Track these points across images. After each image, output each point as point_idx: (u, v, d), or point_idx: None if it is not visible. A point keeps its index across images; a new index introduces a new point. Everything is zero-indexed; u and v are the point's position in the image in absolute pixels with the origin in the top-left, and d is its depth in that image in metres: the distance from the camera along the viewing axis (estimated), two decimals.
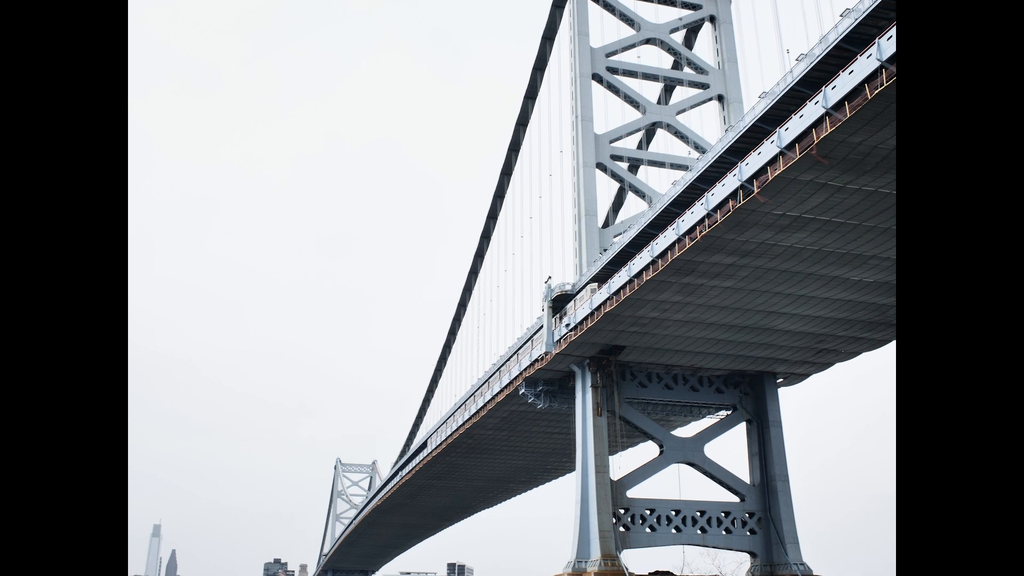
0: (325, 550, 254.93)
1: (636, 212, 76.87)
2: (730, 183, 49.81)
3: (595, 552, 66.81)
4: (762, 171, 47.29)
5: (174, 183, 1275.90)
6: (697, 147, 76.18)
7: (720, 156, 52.31)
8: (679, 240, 54.70)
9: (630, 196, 79.33)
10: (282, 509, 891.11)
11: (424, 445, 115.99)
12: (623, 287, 61.00)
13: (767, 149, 46.80)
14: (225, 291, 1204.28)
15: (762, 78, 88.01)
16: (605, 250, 69.97)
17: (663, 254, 56.44)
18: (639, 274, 59.00)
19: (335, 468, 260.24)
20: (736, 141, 50.78)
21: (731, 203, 49.69)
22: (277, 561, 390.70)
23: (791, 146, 44.97)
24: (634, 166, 79.87)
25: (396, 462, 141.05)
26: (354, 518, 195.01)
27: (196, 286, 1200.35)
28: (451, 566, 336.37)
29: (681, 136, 78.99)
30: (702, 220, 52.36)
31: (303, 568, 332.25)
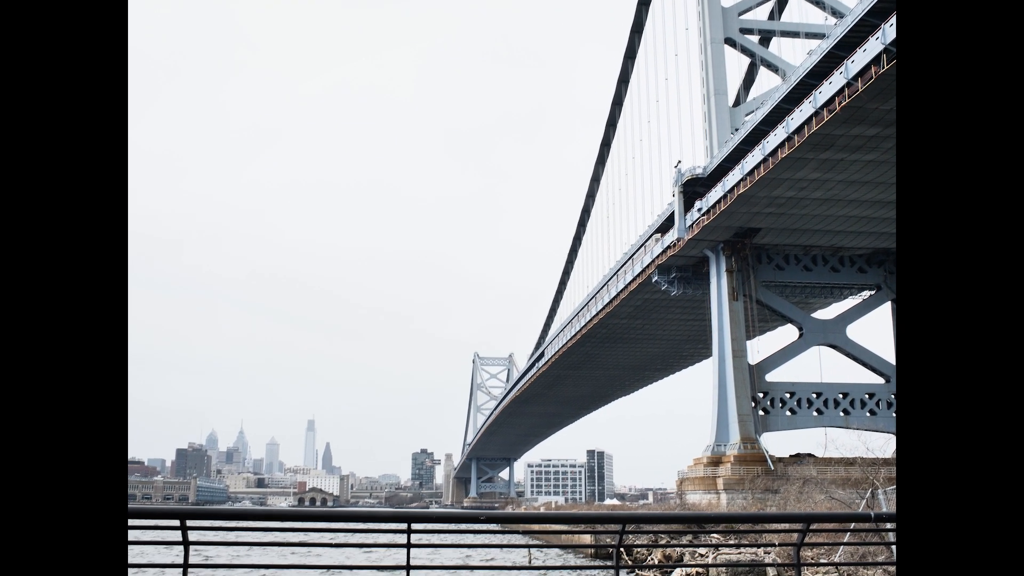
0: (468, 440, 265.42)
1: (769, 88, 73.16)
2: (872, 47, 46.52)
3: (734, 436, 66.66)
4: None
5: (308, 102, 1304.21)
6: (834, 12, 71.18)
7: (860, 19, 48.74)
8: (816, 113, 51.90)
9: (762, 71, 75.46)
10: (426, 403, 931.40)
11: (558, 336, 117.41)
12: (757, 167, 58.77)
13: None
14: (359, 206, 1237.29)
15: None
16: (737, 130, 67.32)
17: (799, 129, 53.80)
18: (774, 152, 56.60)
19: (474, 362, 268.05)
20: (879, 0, 47.16)
21: (873, 69, 46.53)
22: (424, 451, 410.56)
23: None
24: (765, 39, 75.63)
25: (532, 354, 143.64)
26: (494, 409, 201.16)
27: (325, 206, 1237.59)
28: (591, 453, 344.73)
29: (816, 1, 73.97)
30: (841, 90, 49.36)
31: (448, 457, 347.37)
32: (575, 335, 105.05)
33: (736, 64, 75.26)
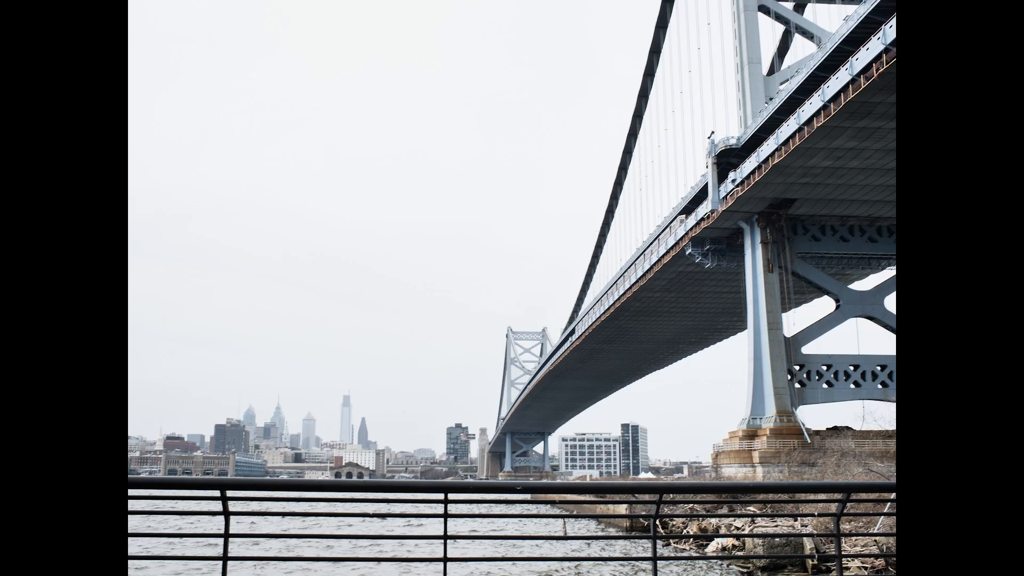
0: (502, 414, 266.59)
1: (804, 56, 71.96)
2: None
3: (770, 409, 66.31)
4: None
5: (343, 78, 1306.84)
6: None
7: None
8: (853, 80, 50.95)
9: (796, 39, 74.15)
10: (461, 378, 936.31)
11: (592, 310, 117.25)
12: (792, 136, 57.97)
13: None
14: (393, 180, 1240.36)
15: None
16: (771, 99, 66.37)
17: (836, 97, 52.89)
18: (809, 121, 55.75)
19: (507, 337, 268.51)
20: None
21: None
22: (458, 426, 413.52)
23: None
24: (800, 5, 74.24)
25: (565, 328, 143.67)
26: (527, 384, 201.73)
27: (360, 181, 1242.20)
28: (625, 426, 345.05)
29: None
30: (879, 56, 48.38)
31: (483, 432, 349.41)
32: (608, 309, 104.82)
33: (770, 32, 74.20)
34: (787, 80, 66.56)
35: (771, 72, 73.48)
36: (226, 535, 7.37)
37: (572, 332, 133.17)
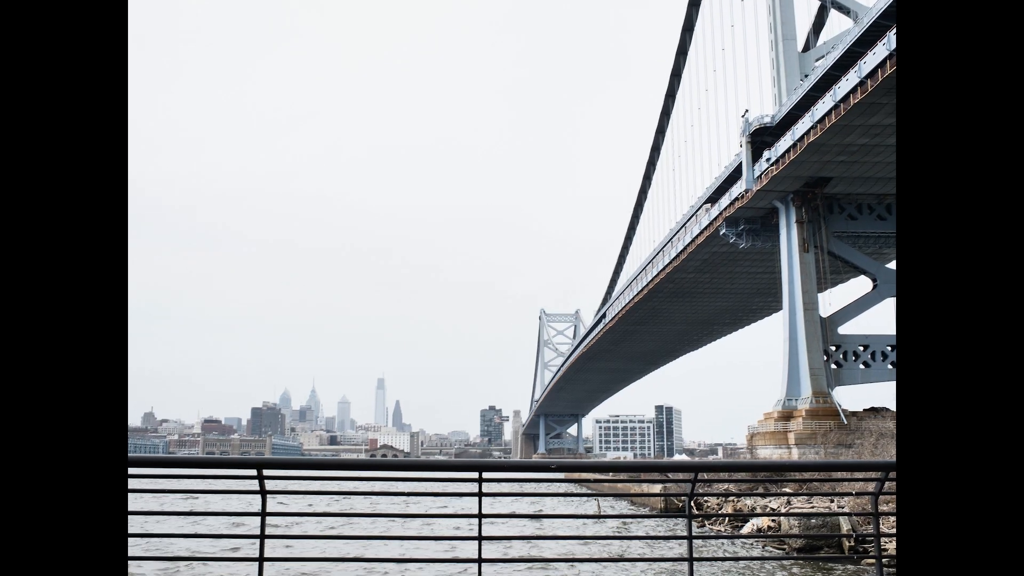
0: (536, 397, 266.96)
1: (840, 31, 70.74)
2: None
3: (806, 390, 65.74)
4: None
5: (373, 62, 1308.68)
6: None
7: None
8: (891, 55, 50.01)
9: (832, 14, 72.77)
10: (494, 361, 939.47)
11: (625, 292, 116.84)
12: (828, 114, 57.09)
13: None
14: (425, 165, 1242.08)
15: None
16: (806, 76, 65.41)
17: (873, 73, 51.95)
18: (846, 98, 54.85)
19: (540, 319, 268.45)
20: None
21: None
22: (492, 408, 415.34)
23: None
24: None
25: (599, 310, 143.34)
26: (561, 365, 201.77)
27: (393, 168, 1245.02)
28: (659, 408, 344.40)
29: None
30: None
31: (516, 414, 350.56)
32: (641, 291, 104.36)
33: (805, 7, 72.98)
34: (823, 56, 65.51)
35: (806, 49, 72.34)
36: (263, 513, 7.44)
37: (605, 314, 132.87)
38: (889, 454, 45.32)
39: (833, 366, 67.70)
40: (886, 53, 50.28)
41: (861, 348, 68.40)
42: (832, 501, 34.79)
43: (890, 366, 68.21)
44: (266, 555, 7.21)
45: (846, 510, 31.05)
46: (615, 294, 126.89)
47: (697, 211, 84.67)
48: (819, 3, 72.83)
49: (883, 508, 8.51)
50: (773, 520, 34.04)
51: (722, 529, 40.35)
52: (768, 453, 65.79)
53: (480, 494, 7.54)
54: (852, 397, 68.15)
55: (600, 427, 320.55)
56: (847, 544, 30.17)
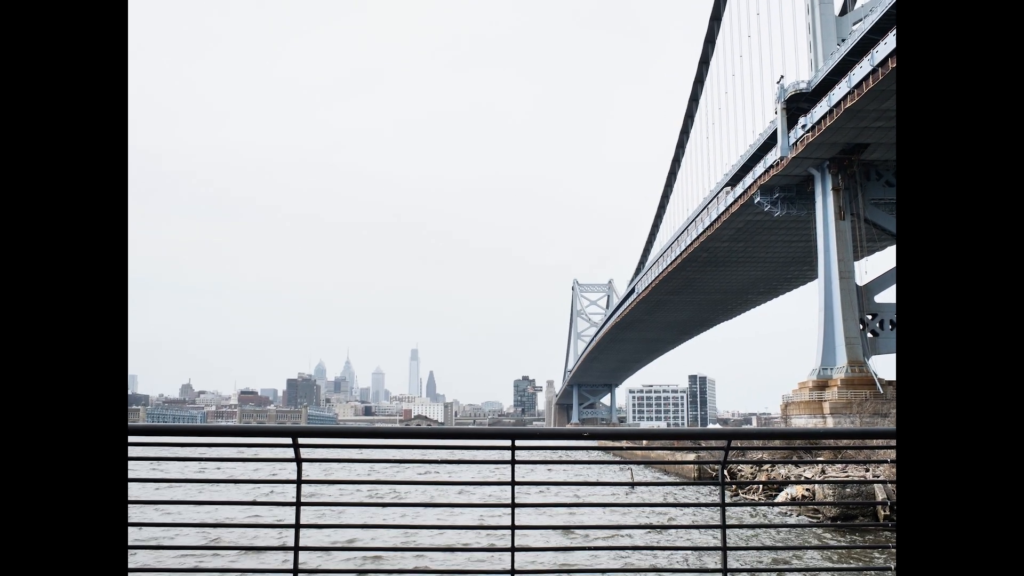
0: (569, 367, 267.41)
1: None
2: None
3: (841, 359, 65.17)
4: None
5: (401, 36, 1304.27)
6: None
7: None
8: None
9: None
10: (527, 331, 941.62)
11: (658, 261, 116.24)
12: (866, 79, 56.04)
13: None
14: (458, 136, 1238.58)
15: None
16: (843, 40, 64.17)
17: None
18: (884, 62, 53.80)
19: (573, 289, 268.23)
20: None
21: None
22: (525, 378, 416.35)
23: None
24: None
25: (632, 280, 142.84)
26: (594, 335, 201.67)
27: (426, 140, 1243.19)
28: (692, 378, 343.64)
29: None
30: None
31: (549, 384, 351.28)
32: (675, 260, 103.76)
33: None
34: (860, 20, 64.15)
35: (843, 12, 70.86)
36: (299, 481, 7.55)
37: (637, 285, 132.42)
38: None
39: (869, 335, 67.00)
40: None
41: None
42: (867, 470, 34.58)
43: None
44: (302, 522, 7.32)
45: (882, 478, 30.84)
46: (648, 264, 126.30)
47: (732, 179, 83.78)
48: None
49: None
50: (807, 489, 33.95)
51: (756, 498, 40.31)
52: (803, 423, 65.47)
53: (513, 461, 7.59)
54: (888, 366, 67.30)
55: (633, 397, 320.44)
56: (882, 512, 30.01)
